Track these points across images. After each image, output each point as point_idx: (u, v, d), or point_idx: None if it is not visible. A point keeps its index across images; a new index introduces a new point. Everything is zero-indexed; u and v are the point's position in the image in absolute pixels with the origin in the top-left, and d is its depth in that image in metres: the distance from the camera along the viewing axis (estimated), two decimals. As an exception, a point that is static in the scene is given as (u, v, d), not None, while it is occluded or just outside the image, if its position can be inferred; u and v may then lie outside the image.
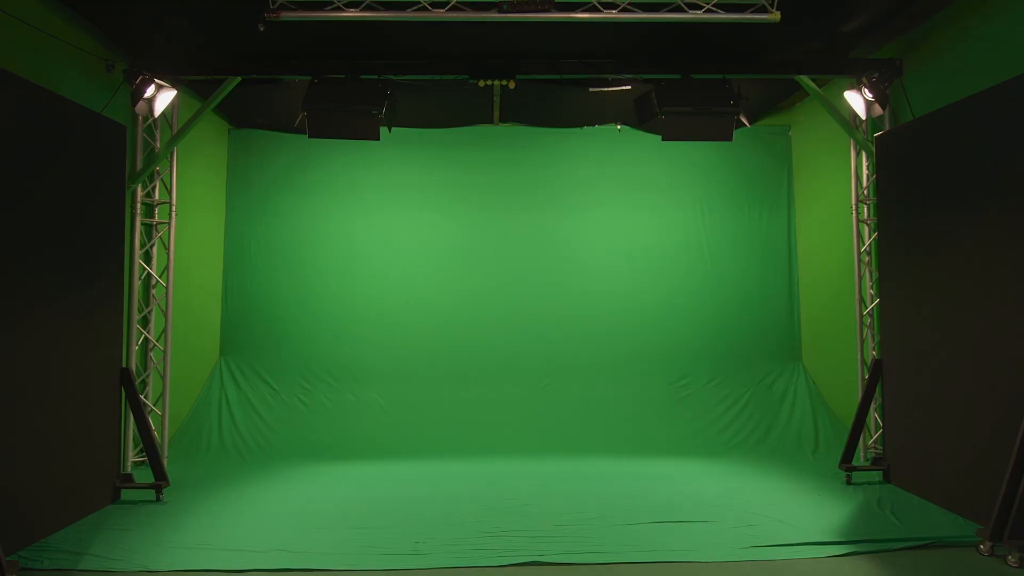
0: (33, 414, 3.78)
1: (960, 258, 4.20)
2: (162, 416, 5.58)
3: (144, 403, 5.18)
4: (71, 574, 3.41)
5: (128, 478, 4.75)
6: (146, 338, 5.52)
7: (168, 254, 5.57)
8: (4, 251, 3.57)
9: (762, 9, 4.38)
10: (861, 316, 5.67)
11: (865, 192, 5.73)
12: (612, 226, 7.05)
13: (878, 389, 5.20)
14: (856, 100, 5.32)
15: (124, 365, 4.81)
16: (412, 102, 6.08)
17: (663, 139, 5.27)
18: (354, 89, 5.00)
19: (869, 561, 3.49)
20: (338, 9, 4.36)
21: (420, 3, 4.35)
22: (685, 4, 4.37)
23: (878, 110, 5.22)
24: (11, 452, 3.61)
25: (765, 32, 4.75)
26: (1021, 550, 3.40)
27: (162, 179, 5.62)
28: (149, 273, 5.53)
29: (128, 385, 4.72)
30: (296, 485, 5.09)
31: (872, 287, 5.64)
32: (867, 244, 5.70)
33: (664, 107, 5.04)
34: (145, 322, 5.53)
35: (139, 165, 5.32)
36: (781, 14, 4.35)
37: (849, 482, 4.97)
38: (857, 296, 5.69)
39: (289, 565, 3.48)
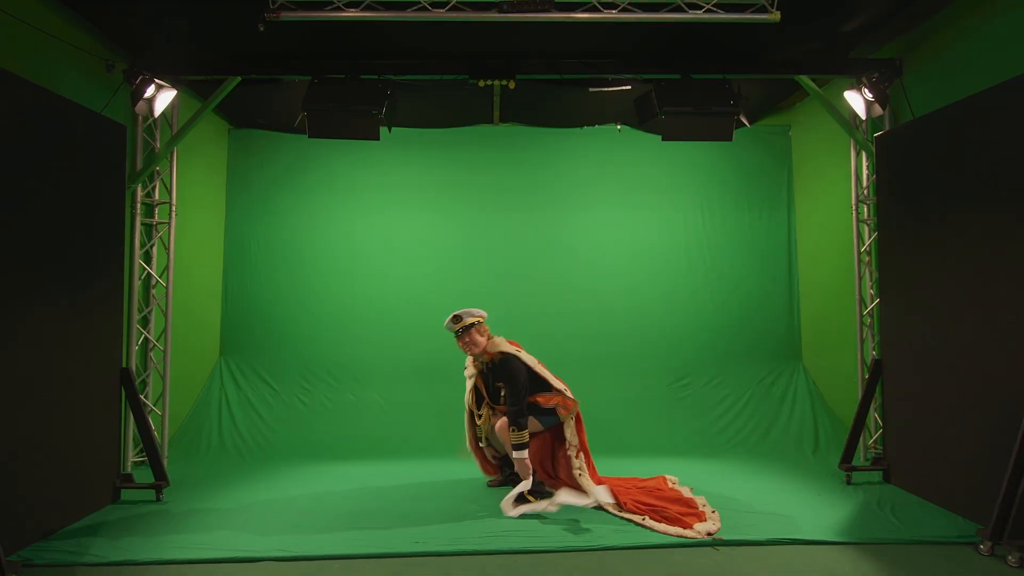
0: (33, 414, 3.78)
1: (961, 258, 4.20)
2: (162, 416, 5.58)
3: (144, 403, 5.18)
4: (71, 573, 3.41)
5: (128, 478, 4.75)
6: (146, 338, 5.52)
7: (168, 254, 5.57)
8: (4, 251, 3.57)
9: (762, 9, 4.38)
10: (861, 316, 5.68)
11: (865, 192, 5.73)
12: (612, 226, 7.05)
13: (878, 389, 5.20)
14: (856, 100, 5.32)
15: (124, 365, 4.81)
16: (412, 102, 6.08)
17: (663, 139, 5.26)
18: (354, 89, 5.00)
19: (869, 561, 3.49)
20: (338, 9, 4.36)
21: (420, 3, 4.36)
22: (685, 4, 4.38)
23: (878, 110, 5.22)
24: (11, 452, 3.61)
25: (765, 32, 4.75)
26: (1021, 550, 3.40)
27: (162, 179, 5.62)
28: (149, 273, 5.53)
29: (128, 385, 4.72)
30: (296, 485, 5.09)
31: (872, 287, 5.64)
32: (867, 244, 5.70)
33: (664, 107, 5.04)
34: (145, 322, 5.53)
35: (139, 165, 5.32)
36: (781, 14, 4.35)
37: (849, 482, 4.97)
38: (857, 296, 5.70)
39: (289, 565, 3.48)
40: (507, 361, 4.51)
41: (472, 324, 4.57)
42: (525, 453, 4.39)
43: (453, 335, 4.65)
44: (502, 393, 4.57)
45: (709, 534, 3.82)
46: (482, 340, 4.59)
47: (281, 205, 6.97)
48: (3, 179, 3.57)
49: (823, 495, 4.69)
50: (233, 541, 3.81)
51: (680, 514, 4.05)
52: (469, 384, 4.80)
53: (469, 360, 4.78)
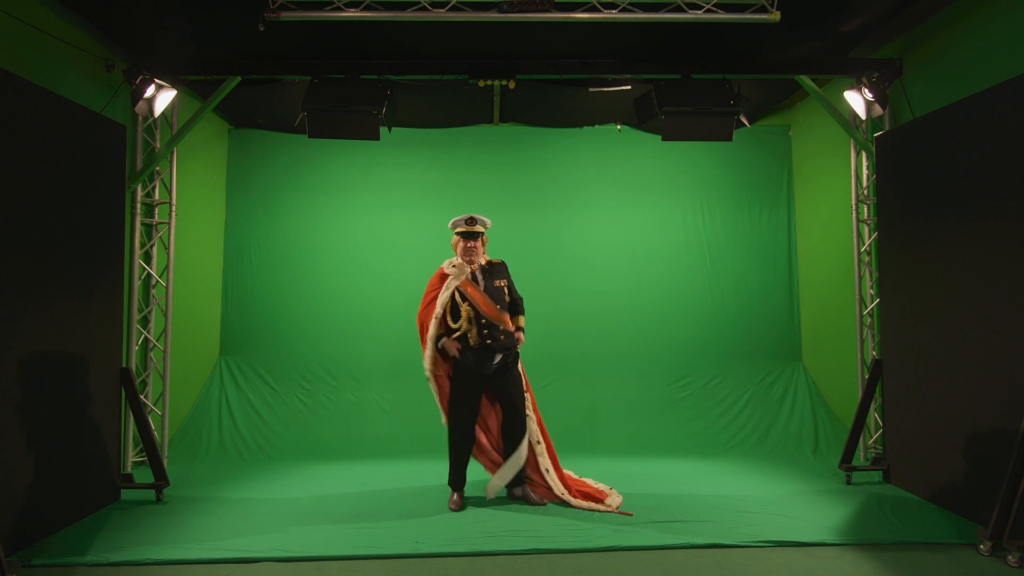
0: (33, 414, 3.78)
1: (960, 258, 4.20)
2: (162, 416, 5.58)
3: (144, 403, 5.18)
4: (71, 573, 3.41)
5: (128, 478, 4.75)
6: (146, 338, 5.52)
7: (168, 254, 5.57)
8: (4, 251, 3.57)
9: (762, 9, 4.39)
10: (861, 316, 5.68)
11: (865, 192, 5.73)
12: (612, 226, 7.05)
13: (878, 389, 5.20)
14: (856, 100, 5.32)
15: (124, 365, 4.81)
16: (412, 102, 6.08)
17: (663, 139, 5.26)
18: (354, 89, 5.00)
19: (869, 561, 3.49)
20: (338, 9, 4.36)
21: (420, 3, 4.36)
22: (685, 4, 4.38)
23: (878, 110, 5.22)
24: (11, 452, 3.61)
25: (765, 32, 4.75)
26: (1021, 550, 3.40)
27: (162, 179, 5.62)
28: (149, 273, 5.53)
29: (128, 385, 4.72)
30: (296, 485, 5.09)
31: (872, 287, 5.64)
32: (867, 244, 5.70)
33: (664, 107, 5.04)
34: (145, 322, 5.53)
35: (139, 165, 5.33)
36: (781, 14, 4.35)
37: (849, 482, 4.97)
38: (857, 296, 5.70)
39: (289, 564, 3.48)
40: (503, 263, 4.82)
41: (483, 232, 4.72)
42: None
43: (456, 234, 4.67)
44: (505, 290, 4.71)
45: (617, 507, 4.40)
46: (482, 248, 4.74)
47: (281, 205, 6.97)
48: (3, 179, 3.57)
49: (823, 495, 4.69)
50: (233, 541, 3.82)
51: (592, 492, 4.61)
52: (445, 297, 4.61)
53: (451, 276, 4.65)
